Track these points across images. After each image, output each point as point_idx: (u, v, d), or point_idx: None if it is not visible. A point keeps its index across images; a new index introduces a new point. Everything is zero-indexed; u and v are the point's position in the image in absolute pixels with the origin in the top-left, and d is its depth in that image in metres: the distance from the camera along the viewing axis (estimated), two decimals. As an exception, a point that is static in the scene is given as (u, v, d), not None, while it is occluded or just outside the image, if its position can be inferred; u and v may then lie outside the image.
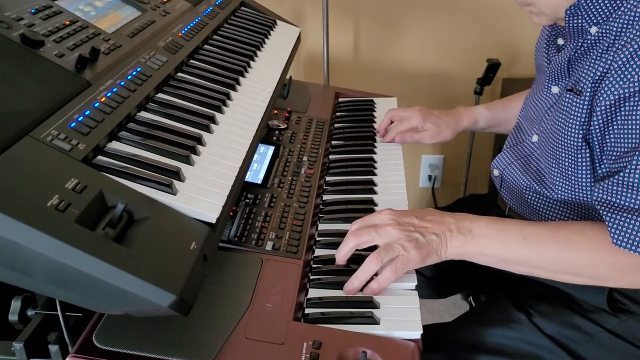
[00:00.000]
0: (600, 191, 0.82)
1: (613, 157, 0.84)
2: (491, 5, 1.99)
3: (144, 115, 0.82)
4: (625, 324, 0.94)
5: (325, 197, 1.08)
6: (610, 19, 0.86)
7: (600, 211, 0.81)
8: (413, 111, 1.27)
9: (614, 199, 0.80)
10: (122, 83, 0.81)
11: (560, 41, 1.01)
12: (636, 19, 0.83)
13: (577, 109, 0.88)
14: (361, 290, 0.83)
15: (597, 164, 0.89)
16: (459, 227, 0.86)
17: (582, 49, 0.92)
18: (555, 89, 1.00)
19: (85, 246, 0.55)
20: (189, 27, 1.09)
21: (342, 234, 0.96)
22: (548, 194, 0.99)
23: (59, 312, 0.72)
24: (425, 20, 2.03)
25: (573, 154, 0.91)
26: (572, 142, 0.90)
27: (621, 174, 0.80)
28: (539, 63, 1.10)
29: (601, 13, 0.87)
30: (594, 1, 0.87)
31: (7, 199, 0.53)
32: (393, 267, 0.82)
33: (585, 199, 0.94)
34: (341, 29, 2.03)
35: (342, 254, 0.86)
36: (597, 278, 0.84)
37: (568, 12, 0.89)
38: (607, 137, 0.84)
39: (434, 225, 0.87)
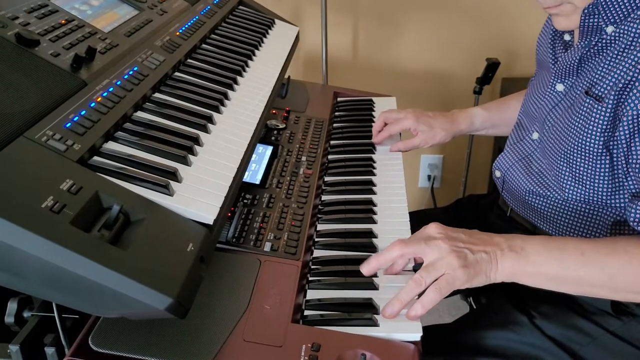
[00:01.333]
0: (636, 211, 0.80)
1: None
2: (490, 4, 1.98)
3: (140, 115, 0.81)
4: (628, 326, 0.93)
5: (324, 198, 1.07)
6: (629, 19, 0.84)
7: None
8: (406, 113, 1.25)
9: None
10: (119, 83, 0.80)
11: (567, 37, 0.99)
12: None
13: (598, 116, 0.86)
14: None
15: (622, 174, 0.86)
16: (510, 245, 0.81)
17: (596, 48, 0.90)
18: (560, 87, 0.98)
19: (80, 248, 0.54)
20: (186, 26, 1.08)
21: (341, 235, 0.96)
22: (552, 195, 0.98)
23: (55, 314, 0.71)
24: (424, 19, 2.02)
25: (591, 160, 0.89)
26: (591, 149, 0.88)
27: None
28: (542, 59, 1.08)
29: (619, 12, 0.85)
30: (613, 0, 0.85)
31: (1, 201, 0.53)
32: (437, 287, 0.77)
33: (598, 201, 0.92)
34: (340, 28, 2.03)
35: (381, 261, 0.82)
36: None
37: (585, 10, 0.87)
38: (633, 148, 0.81)
39: (483, 243, 0.81)
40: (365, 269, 0.83)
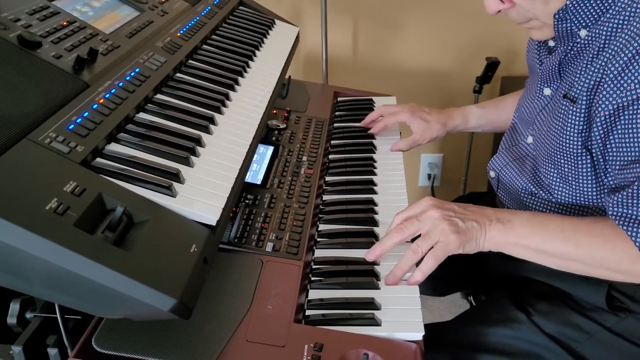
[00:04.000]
0: (615, 205, 0.82)
1: (618, 167, 0.84)
2: (490, 3, 1.98)
3: (142, 116, 0.82)
4: (624, 323, 0.93)
5: (325, 197, 1.07)
6: (599, 22, 0.86)
7: (620, 225, 0.81)
8: (402, 107, 1.29)
9: (630, 212, 0.80)
10: (121, 84, 0.80)
11: (551, 43, 1.01)
12: (625, 22, 0.83)
13: (574, 117, 0.88)
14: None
15: (602, 173, 0.89)
16: (498, 217, 0.87)
17: (573, 52, 0.92)
18: (547, 91, 1.00)
19: (84, 250, 0.55)
20: (187, 27, 1.09)
21: (343, 235, 0.96)
22: (545, 196, 0.99)
23: (58, 315, 0.71)
24: (423, 18, 2.02)
25: (573, 161, 0.91)
26: (571, 150, 0.90)
27: (633, 185, 0.80)
28: (531, 64, 1.10)
29: (589, 16, 0.87)
30: (581, 4, 0.86)
31: (5, 203, 0.53)
32: (434, 254, 0.83)
33: (587, 202, 0.94)
34: (340, 28, 2.03)
35: (385, 247, 0.87)
36: (637, 275, 0.83)
37: (557, 15, 0.89)
38: (608, 146, 0.85)
39: (474, 213, 0.88)
40: (370, 255, 0.88)
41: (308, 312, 0.80)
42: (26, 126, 0.63)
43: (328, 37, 1.91)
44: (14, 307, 0.75)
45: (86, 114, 0.71)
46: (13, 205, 0.53)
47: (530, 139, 1.04)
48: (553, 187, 0.97)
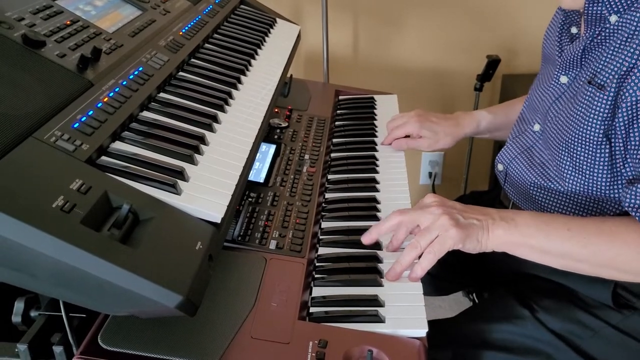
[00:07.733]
0: (632, 197, 0.81)
1: (639, 156, 0.83)
2: (491, 1, 1.99)
3: (146, 114, 0.82)
4: (629, 320, 0.94)
5: (327, 195, 1.08)
6: (632, 8, 0.85)
7: (637, 218, 0.80)
8: (410, 117, 1.23)
9: None
10: (124, 83, 0.80)
11: (574, 30, 1.00)
12: None
13: (599, 104, 0.87)
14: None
15: (621, 162, 0.88)
16: (501, 216, 0.87)
17: (599, 38, 0.90)
18: (564, 79, 0.98)
19: (91, 247, 0.55)
20: (189, 25, 1.09)
21: (345, 232, 0.96)
22: (553, 187, 0.98)
23: (63, 313, 0.72)
24: (424, 16, 2.02)
25: (592, 149, 0.90)
26: (591, 137, 0.89)
27: None
28: (548, 52, 1.08)
29: (622, 1, 0.86)
30: None
31: (12, 201, 0.53)
32: (432, 249, 0.83)
33: (598, 193, 0.93)
34: (340, 27, 2.03)
35: (382, 230, 0.88)
36: None
37: None
38: (631, 134, 0.83)
39: (476, 212, 0.87)
40: (366, 238, 0.89)
41: (312, 309, 0.80)
42: (31, 125, 0.63)
43: (329, 36, 1.91)
44: (19, 305, 0.76)
45: (91, 112, 0.71)
46: (20, 203, 0.54)
47: (537, 127, 1.03)
48: (564, 176, 0.96)
